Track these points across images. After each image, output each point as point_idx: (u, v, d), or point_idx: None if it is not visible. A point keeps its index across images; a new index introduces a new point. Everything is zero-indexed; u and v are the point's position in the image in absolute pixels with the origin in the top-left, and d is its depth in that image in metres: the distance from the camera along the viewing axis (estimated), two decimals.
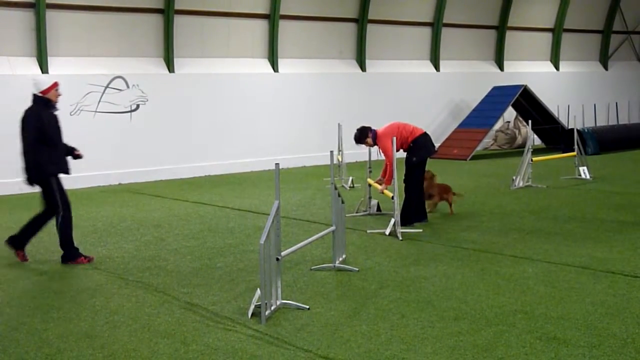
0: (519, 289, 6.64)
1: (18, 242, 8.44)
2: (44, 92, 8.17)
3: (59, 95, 8.36)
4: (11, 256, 8.66)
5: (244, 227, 10.27)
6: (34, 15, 15.27)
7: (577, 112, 21.10)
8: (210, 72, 17.73)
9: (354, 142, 10.35)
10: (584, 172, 14.54)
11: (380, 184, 10.07)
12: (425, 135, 10.19)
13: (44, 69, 15.25)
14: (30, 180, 8.22)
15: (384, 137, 9.93)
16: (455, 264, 7.67)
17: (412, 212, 9.99)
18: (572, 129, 16.00)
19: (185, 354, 5.21)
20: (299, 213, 11.29)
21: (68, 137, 15.20)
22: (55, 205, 8.19)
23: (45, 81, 8.26)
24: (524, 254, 8.07)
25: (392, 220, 9.26)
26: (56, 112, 8.28)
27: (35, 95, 8.20)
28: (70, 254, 8.29)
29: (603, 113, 25.75)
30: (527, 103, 21.48)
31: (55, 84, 8.26)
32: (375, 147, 10.25)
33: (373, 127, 10.25)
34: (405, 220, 9.70)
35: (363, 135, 10.17)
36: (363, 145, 10.39)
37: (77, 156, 8.56)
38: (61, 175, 8.29)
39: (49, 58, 15.34)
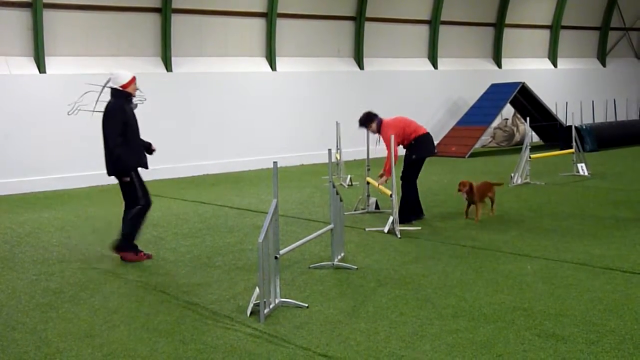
0: (518, 286, 6.64)
1: (122, 245, 8.28)
2: (124, 86, 8.19)
3: (137, 89, 8.38)
4: (8, 256, 8.66)
5: (243, 225, 10.27)
6: (31, 15, 15.25)
7: (575, 109, 21.12)
8: (208, 71, 17.71)
9: (358, 124, 10.24)
10: (582, 169, 14.55)
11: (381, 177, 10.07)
12: (427, 135, 10.21)
13: (41, 68, 15.23)
14: (115, 174, 8.22)
15: (387, 129, 9.90)
16: (454, 262, 7.68)
17: (409, 209, 10.00)
18: (570, 126, 16.02)
19: (184, 352, 5.21)
20: (298, 211, 11.29)
21: (65, 137, 15.29)
22: (136, 197, 8.21)
23: (124, 75, 8.26)
24: (523, 251, 8.07)
25: (391, 218, 9.26)
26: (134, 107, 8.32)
27: (115, 89, 8.20)
28: (126, 246, 8.21)
29: (601, 110, 25.76)
30: (525, 100, 21.48)
31: (134, 78, 8.29)
32: (376, 136, 10.24)
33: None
34: (403, 218, 9.70)
35: (368, 120, 10.16)
36: (365, 131, 10.37)
37: (152, 151, 8.53)
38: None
39: (46, 58, 15.33)
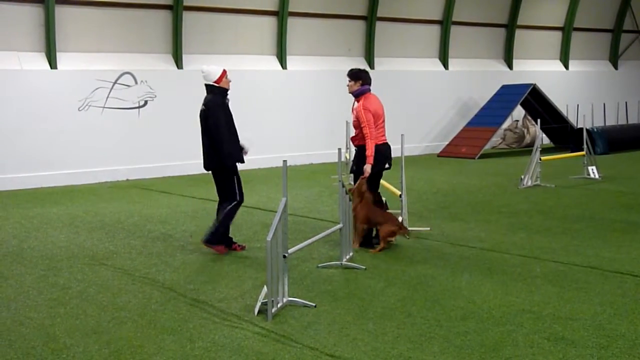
0: (527, 288, 6.60)
1: (216, 239, 8.32)
2: (217, 81, 8.15)
3: (230, 81, 8.33)
4: (17, 251, 8.67)
5: (251, 223, 10.27)
6: (43, 11, 15.28)
7: (586, 111, 20.96)
8: None
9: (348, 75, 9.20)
10: (593, 171, 14.48)
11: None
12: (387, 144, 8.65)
13: (52, 64, 15.27)
14: (218, 168, 8.24)
15: (370, 107, 8.62)
16: (462, 263, 7.64)
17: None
18: (581, 129, 15.93)
19: (191, 350, 5.20)
20: (306, 210, 11.27)
21: (76, 132, 15.33)
22: (233, 192, 8.27)
23: (214, 71, 8.17)
24: (532, 253, 8.03)
25: (400, 219, 9.22)
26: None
27: (211, 86, 8.17)
28: (216, 238, 8.27)
29: (612, 112, 25.61)
30: (536, 102, 21.39)
31: (225, 72, 8.20)
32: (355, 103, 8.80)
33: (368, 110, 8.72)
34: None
35: (357, 77, 9.07)
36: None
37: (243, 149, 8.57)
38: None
39: (57, 53, 15.36)
